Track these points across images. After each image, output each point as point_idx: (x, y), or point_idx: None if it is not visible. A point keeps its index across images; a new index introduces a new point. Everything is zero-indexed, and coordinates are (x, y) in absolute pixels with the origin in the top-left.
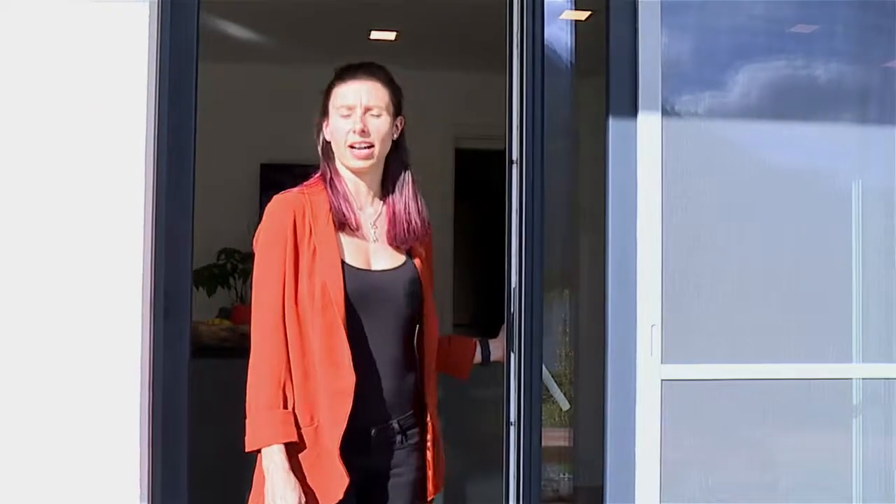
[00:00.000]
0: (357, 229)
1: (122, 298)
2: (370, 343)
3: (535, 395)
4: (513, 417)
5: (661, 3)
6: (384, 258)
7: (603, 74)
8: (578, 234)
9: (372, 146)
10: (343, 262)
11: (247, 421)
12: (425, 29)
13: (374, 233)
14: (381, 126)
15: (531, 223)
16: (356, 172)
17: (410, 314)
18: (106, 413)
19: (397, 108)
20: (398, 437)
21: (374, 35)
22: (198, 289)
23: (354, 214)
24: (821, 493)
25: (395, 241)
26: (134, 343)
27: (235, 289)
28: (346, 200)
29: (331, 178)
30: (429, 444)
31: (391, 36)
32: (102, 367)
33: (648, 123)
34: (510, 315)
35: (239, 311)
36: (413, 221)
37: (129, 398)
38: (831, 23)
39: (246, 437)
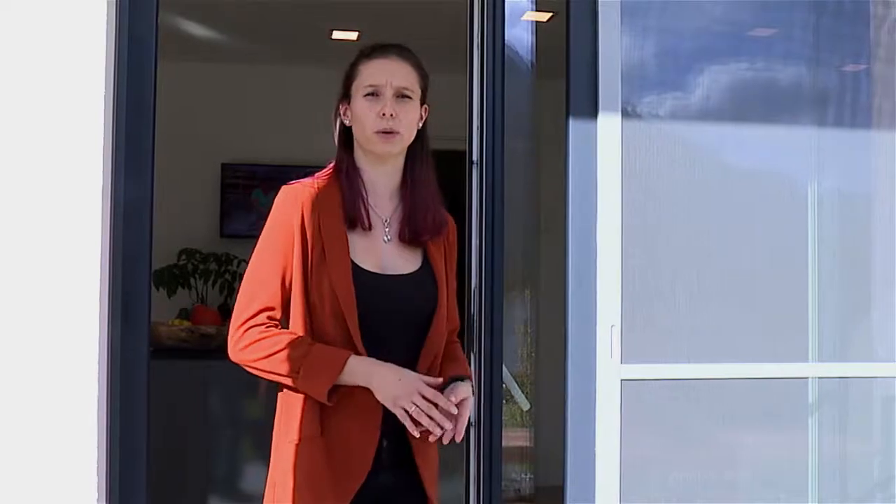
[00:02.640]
0: (369, 229)
1: (80, 299)
2: (379, 353)
3: (495, 395)
4: (473, 418)
5: (622, 4)
6: (398, 261)
7: (564, 76)
8: (539, 234)
9: (398, 133)
10: (353, 264)
11: None
12: (387, 29)
13: (388, 232)
14: (409, 112)
15: (491, 223)
16: (378, 160)
17: (422, 323)
18: (63, 414)
19: (424, 96)
20: (404, 450)
21: (336, 35)
22: (157, 289)
23: (367, 212)
24: (777, 491)
25: (409, 238)
26: (92, 344)
27: (196, 289)
28: (360, 196)
29: (346, 170)
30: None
31: (353, 36)
32: (60, 369)
33: (608, 124)
34: (470, 315)
35: (199, 312)
36: (429, 218)
37: (87, 399)
38: (789, 26)
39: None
